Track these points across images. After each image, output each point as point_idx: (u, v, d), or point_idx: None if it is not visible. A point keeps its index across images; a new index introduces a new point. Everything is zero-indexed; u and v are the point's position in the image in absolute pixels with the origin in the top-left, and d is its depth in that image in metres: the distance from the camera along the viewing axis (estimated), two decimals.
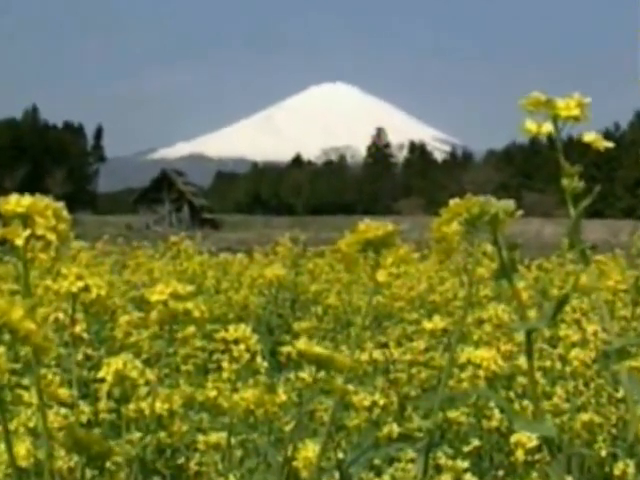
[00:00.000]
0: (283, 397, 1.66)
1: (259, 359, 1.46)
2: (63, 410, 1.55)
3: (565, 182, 0.84)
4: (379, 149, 69.56)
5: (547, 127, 0.85)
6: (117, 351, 2.36)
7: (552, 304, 0.86)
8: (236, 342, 1.43)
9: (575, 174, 0.85)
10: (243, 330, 1.45)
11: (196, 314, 1.10)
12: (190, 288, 1.12)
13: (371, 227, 0.99)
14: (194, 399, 2.04)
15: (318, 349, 1.07)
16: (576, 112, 0.84)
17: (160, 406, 1.57)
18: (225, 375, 1.46)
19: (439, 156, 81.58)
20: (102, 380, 1.32)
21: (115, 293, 3.81)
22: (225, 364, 1.46)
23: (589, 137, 0.86)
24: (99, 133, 65.52)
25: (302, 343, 1.07)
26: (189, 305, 1.10)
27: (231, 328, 1.46)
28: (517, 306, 0.87)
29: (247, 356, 1.43)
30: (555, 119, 0.85)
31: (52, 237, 0.80)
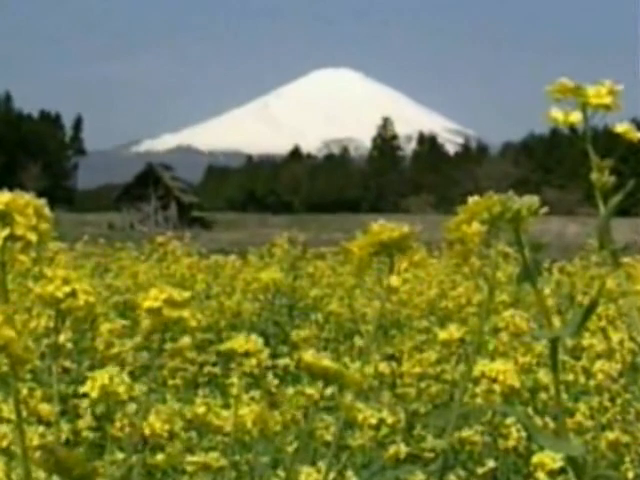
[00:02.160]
0: (288, 415, 1.66)
1: (270, 375, 1.45)
2: (41, 428, 1.55)
3: (595, 177, 0.84)
4: (385, 141, 69.55)
5: (575, 116, 0.85)
6: (98, 363, 2.37)
7: (579, 311, 0.86)
8: (247, 355, 1.41)
9: (606, 168, 0.85)
10: (254, 342, 1.42)
11: (192, 323, 1.09)
12: (186, 294, 1.12)
13: (386, 228, 0.99)
14: (183, 416, 2.04)
15: (327, 362, 1.07)
16: (608, 100, 0.84)
17: (160, 427, 1.57)
18: (235, 391, 1.44)
19: (451, 149, 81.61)
20: (83, 395, 1.32)
21: (96, 299, 3.80)
22: (235, 379, 1.45)
23: (621, 128, 0.85)
24: (78, 124, 65.51)
25: (309, 355, 1.06)
26: (185, 313, 1.10)
27: (241, 338, 1.44)
28: (540, 313, 0.87)
29: (257, 372, 1.41)
30: (584, 107, 0.85)
31: (33, 237, 0.79)
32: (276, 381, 1.53)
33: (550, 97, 0.85)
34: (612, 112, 0.85)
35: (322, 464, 1.60)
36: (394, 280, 0.98)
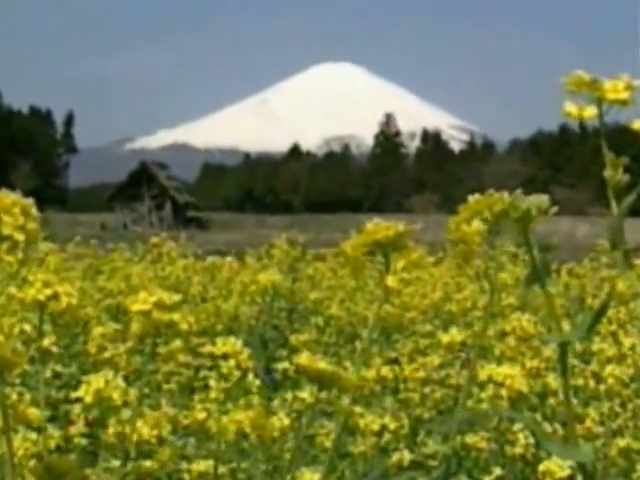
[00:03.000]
0: (282, 420, 1.66)
1: (251, 376, 1.46)
2: (31, 434, 1.56)
3: (608, 174, 0.84)
4: (388, 138, 69.58)
5: (590, 111, 0.85)
6: (90, 368, 2.37)
7: (588, 314, 0.86)
8: (225, 357, 1.43)
9: (620, 165, 0.85)
10: (233, 344, 1.45)
11: (183, 326, 1.10)
12: (177, 297, 1.12)
13: (380, 227, 0.99)
14: (178, 422, 2.04)
15: (322, 364, 1.07)
16: (625, 95, 0.84)
17: (148, 432, 1.57)
18: (213, 395, 1.46)
19: (456, 146, 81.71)
20: (75, 401, 1.32)
21: (88, 302, 3.81)
22: (212, 382, 1.46)
23: (638, 124, 0.85)
24: (70, 120, 65.54)
25: (304, 357, 1.07)
26: (175, 316, 1.10)
27: (219, 341, 1.46)
28: (549, 316, 0.87)
29: (237, 373, 1.43)
30: (600, 102, 0.85)
31: (20, 237, 0.80)
32: (257, 382, 1.54)
33: (564, 89, 0.85)
34: (628, 108, 0.85)
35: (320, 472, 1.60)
36: (391, 281, 0.98)
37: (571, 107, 0.85)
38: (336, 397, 1.15)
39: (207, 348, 1.47)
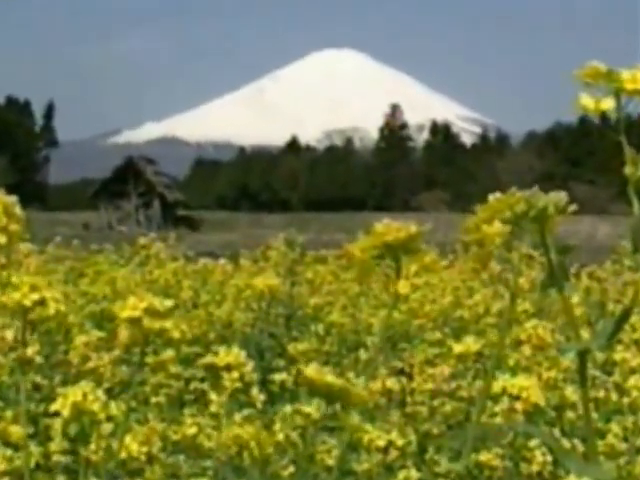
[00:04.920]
0: (280, 436, 1.67)
1: (255, 390, 1.46)
2: (9, 451, 1.56)
3: (629, 171, 0.85)
4: (394, 131, 69.62)
5: (607, 103, 0.85)
6: (73, 379, 2.37)
7: (610, 321, 0.86)
8: (228, 369, 1.43)
9: None
10: (236, 354, 1.45)
11: (175, 335, 1.10)
12: (169, 303, 1.12)
13: (391, 228, 0.99)
14: (167, 438, 2.04)
15: (331, 378, 1.07)
16: None
17: (137, 449, 1.57)
18: (214, 409, 1.46)
19: (467, 139, 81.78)
20: (56, 414, 1.32)
21: (70, 308, 3.81)
22: (213, 396, 1.46)
23: None
24: (50, 111, 65.56)
25: (312, 370, 1.07)
26: (167, 324, 1.10)
27: (222, 351, 1.46)
28: (567, 323, 0.87)
29: (239, 386, 1.43)
30: (618, 93, 0.85)
31: (2, 239, 0.80)
32: (262, 396, 1.54)
33: (579, 82, 0.85)
34: None
35: None
36: (402, 287, 0.98)
37: (587, 100, 0.85)
38: (343, 412, 1.15)
39: (207, 359, 1.47)
